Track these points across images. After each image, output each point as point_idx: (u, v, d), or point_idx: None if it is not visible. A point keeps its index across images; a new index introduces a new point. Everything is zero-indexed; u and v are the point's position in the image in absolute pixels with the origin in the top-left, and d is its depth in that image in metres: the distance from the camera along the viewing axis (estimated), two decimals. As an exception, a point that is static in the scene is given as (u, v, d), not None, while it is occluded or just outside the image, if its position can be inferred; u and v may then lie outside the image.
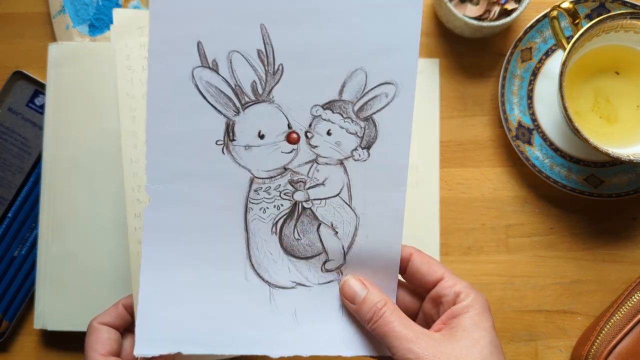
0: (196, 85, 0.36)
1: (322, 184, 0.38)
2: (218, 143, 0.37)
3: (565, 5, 0.47)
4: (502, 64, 0.51)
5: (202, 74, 0.36)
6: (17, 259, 0.52)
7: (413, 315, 0.39)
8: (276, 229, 0.38)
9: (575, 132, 0.45)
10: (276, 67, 0.36)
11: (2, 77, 0.53)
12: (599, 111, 0.50)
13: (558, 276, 0.52)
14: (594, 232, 0.52)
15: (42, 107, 0.53)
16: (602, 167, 0.51)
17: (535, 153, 0.51)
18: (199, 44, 0.35)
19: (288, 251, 0.38)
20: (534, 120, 0.51)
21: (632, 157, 0.45)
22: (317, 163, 0.37)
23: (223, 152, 0.36)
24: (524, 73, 0.52)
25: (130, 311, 0.43)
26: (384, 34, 0.36)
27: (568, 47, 0.45)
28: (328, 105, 0.37)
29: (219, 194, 0.37)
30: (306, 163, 0.37)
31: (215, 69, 0.36)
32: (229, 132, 0.36)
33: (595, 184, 0.51)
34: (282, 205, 0.37)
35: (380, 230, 0.38)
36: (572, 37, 0.46)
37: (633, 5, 0.50)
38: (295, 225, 0.38)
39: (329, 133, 0.37)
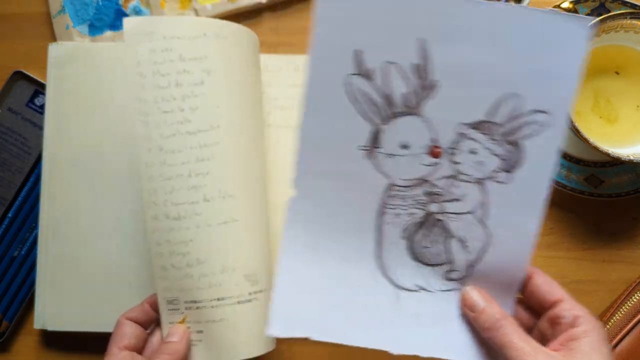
0: (349, 91, 0.37)
1: (458, 199, 0.38)
2: (362, 148, 0.37)
3: (566, 5, 0.47)
4: (502, 64, 0.51)
5: (356, 81, 0.36)
6: (17, 259, 0.52)
7: (527, 331, 0.39)
8: (407, 234, 0.39)
9: (575, 132, 0.45)
10: (429, 82, 0.36)
11: (2, 77, 0.53)
12: (599, 111, 0.50)
13: (558, 276, 0.51)
14: (594, 232, 0.52)
15: (42, 107, 0.53)
16: (602, 167, 0.51)
17: (536, 153, 0.51)
18: (357, 51, 0.36)
19: (416, 257, 0.39)
20: (534, 120, 0.51)
21: (632, 157, 0.45)
22: (456, 179, 0.38)
23: (365, 157, 0.38)
24: (524, 73, 0.52)
25: (155, 308, 0.43)
26: (545, 61, 0.36)
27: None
28: (476, 125, 0.37)
29: (357, 195, 0.38)
30: (445, 177, 0.38)
31: (369, 77, 0.36)
32: (375, 139, 0.37)
33: (595, 184, 0.51)
34: (415, 213, 0.39)
35: (509, 251, 0.38)
36: (572, 37, 0.46)
37: (633, 5, 0.50)
38: (425, 234, 0.39)
39: (472, 152, 0.38)
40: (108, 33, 0.54)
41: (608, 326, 0.48)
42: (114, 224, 0.50)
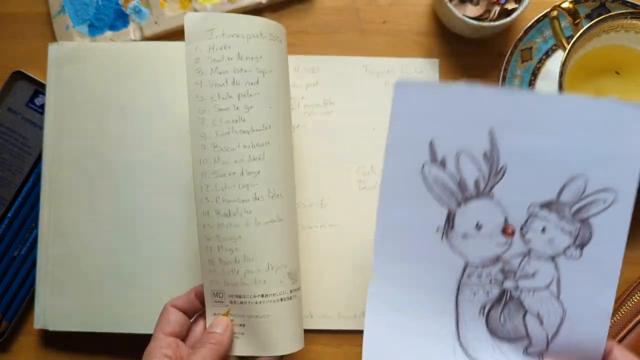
0: (425, 179, 0.40)
1: (532, 276, 0.40)
2: (438, 230, 0.40)
3: (566, 5, 0.47)
4: (502, 64, 0.51)
5: (431, 169, 0.40)
6: (17, 259, 0.52)
7: None
8: (484, 311, 0.40)
9: (576, 132, 0.45)
10: (499, 168, 0.39)
11: (2, 77, 0.53)
12: (599, 111, 0.50)
13: (558, 276, 0.52)
14: (594, 232, 0.52)
15: (42, 107, 0.53)
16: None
17: (536, 153, 0.51)
18: (431, 142, 0.39)
19: (493, 332, 0.40)
20: (534, 120, 0.51)
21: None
22: (529, 257, 0.40)
23: (442, 239, 0.40)
24: (524, 73, 0.52)
25: (200, 299, 0.44)
26: (607, 145, 0.38)
27: (568, 47, 0.45)
28: (545, 205, 0.39)
29: (435, 276, 0.40)
30: (518, 255, 0.40)
31: (443, 165, 0.40)
32: (450, 221, 0.40)
33: (595, 184, 0.51)
34: (491, 291, 0.40)
35: (586, 326, 0.39)
36: (572, 37, 0.46)
37: (633, 5, 0.50)
38: (502, 311, 0.40)
39: (543, 230, 0.39)
40: (108, 33, 0.54)
41: (608, 326, 0.48)
42: (114, 224, 0.50)
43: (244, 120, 0.42)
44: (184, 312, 0.44)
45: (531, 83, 0.52)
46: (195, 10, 0.53)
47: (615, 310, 0.49)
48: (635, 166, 0.38)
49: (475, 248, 0.40)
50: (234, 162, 0.42)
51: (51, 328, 0.49)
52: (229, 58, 0.42)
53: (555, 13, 0.48)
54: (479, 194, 0.40)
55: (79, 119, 0.51)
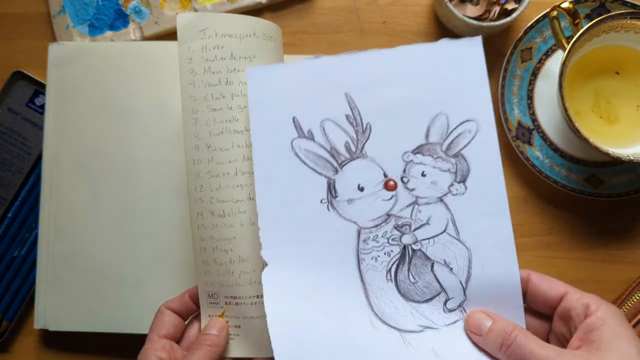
0: (296, 154, 0.40)
1: (427, 223, 0.39)
2: (322, 202, 0.40)
3: (566, 5, 0.47)
4: (502, 64, 0.51)
5: (300, 143, 0.40)
6: (17, 259, 0.52)
7: (543, 340, 0.37)
8: (390, 275, 0.39)
9: (575, 132, 0.45)
10: (364, 127, 0.40)
11: (2, 77, 0.53)
12: (599, 111, 0.50)
13: (558, 276, 0.51)
14: (594, 232, 0.52)
15: (42, 107, 0.53)
16: (602, 167, 0.51)
17: (535, 153, 0.51)
18: (294, 118, 0.40)
19: (407, 296, 0.39)
20: (534, 120, 0.51)
21: (632, 157, 0.45)
22: (418, 204, 0.40)
23: (328, 209, 0.40)
24: (524, 73, 0.52)
25: (194, 300, 0.44)
26: (455, 79, 0.40)
27: (568, 47, 0.45)
28: (417, 150, 0.40)
29: (330, 250, 0.39)
30: (407, 206, 0.40)
31: (311, 137, 0.40)
32: (331, 190, 0.40)
33: (595, 184, 0.51)
34: (392, 251, 0.39)
35: (494, 258, 0.38)
36: (572, 37, 0.46)
37: (633, 5, 0.50)
38: (408, 269, 0.39)
39: (423, 174, 0.40)
40: (108, 33, 0.54)
41: (608, 326, 0.48)
42: (114, 223, 0.50)
43: (237, 120, 0.42)
44: (179, 314, 0.43)
45: (531, 83, 0.52)
46: (196, 10, 0.53)
47: (615, 310, 0.49)
48: (485, 92, 0.39)
49: (363, 210, 0.40)
50: (228, 162, 0.42)
51: (51, 328, 0.49)
52: (222, 58, 0.42)
53: (555, 13, 0.48)
54: (352, 156, 0.40)
55: (79, 119, 0.51)
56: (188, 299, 0.44)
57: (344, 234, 0.39)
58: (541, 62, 0.52)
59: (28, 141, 0.53)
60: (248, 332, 0.43)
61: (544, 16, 0.51)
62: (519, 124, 0.51)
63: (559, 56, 0.51)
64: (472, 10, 0.50)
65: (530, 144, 0.51)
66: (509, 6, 0.50)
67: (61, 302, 0.49)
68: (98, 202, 0.50)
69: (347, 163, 0.40)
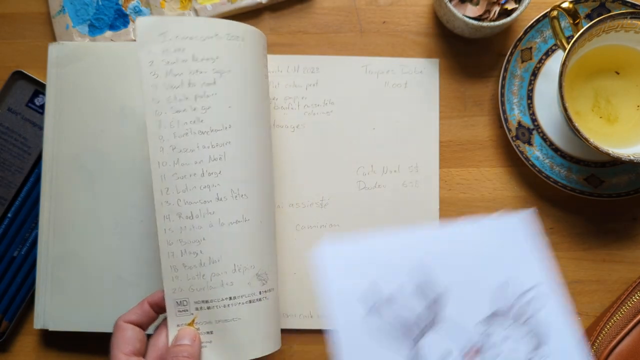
0: (369, 331, 0.39)
1: None
2: None
3: (566, 5, 0.47)
4: (502, 64, 0.51)
5: (372, 320, 0.40)
6: (17, 259, 0.52)
7: None
8: None
9: (575, 132, 0.45)
10: (437, 297, 0.40)
11: (2, 77, 0.53)
12: (599, 111, 0.50)
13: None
14: (594, 232, 0.52)
15: (42, 107, 0.53)
16: (602, 167, 0.51)
17: (535, 153, 0.51)
18: (367, 289, 0.40)
19: None
20: (534, 120, 0.51)
21: (632, 157, 0.45)
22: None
23: None
24: (524, 73, 0.52)
25: (155, 308, 0.43)
26: (515, 251, 0.42)
27: (568, 47, 0.45)
28: (489, 319, 0.40)
29: None
30: None
31: (381, 314, 0.40)
32: None
33: (595, 184, 0.51)
34: None
35: None
36: (572, 37, 0.46)
37: (633, 5, 0.50)
38: None
39: (501, 342, 0.40)
40: (108, 33, 0.54)
41: (608, 326, 0.48)
42: (114, 223, 0.50)
43: (202, 121, 0.42)
44: (140, 325, 0.42)
45: (531, 83, 0.52)
46: (196, 10, 0.53)
47: (615, 311, 0.49)
48: (545, 258, 0.41)
49: None
50: (194, 163, 0.42)
51: (51, 328, 0.49)
52: (183, 60, 0.42)
53: (555, 13, 0.48)
54: (424, 330, 0.40)
55: (79, 119, 0.51)
56: (148, 308, 0.43)
57: None
58: (541, 62, 0.52)
59: (28, 141, 0.53)
60: (222, 337, 0.43)
61: (544, 16, 0.50)
62: (519, 124, 0.51)
63: (559, 56, 0.51)
64: (472, 10, 0.50)
65: (530, 144, 0.51)
66: (509, 6, 0.50)
67: (61, 302, 0.49)
68: (98, 202, 0.50)
69: (421, 337, 0.40)
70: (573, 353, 0.40)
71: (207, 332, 0.43)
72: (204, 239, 0.42)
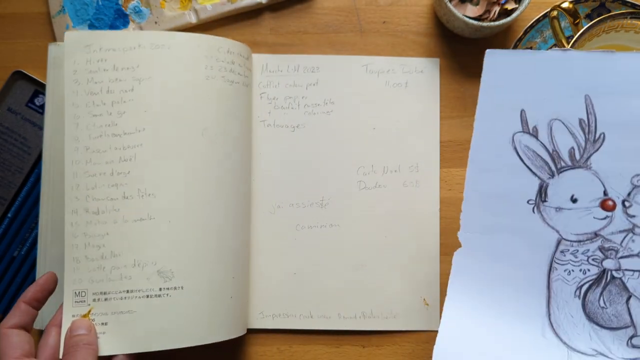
0: (515, 149, 0.38)
1: (637, 255, 0.37)
2: (530, 202, 0.38)
3: (566, 5, 0.47)
4: (502, 64, 0.51)
5: (522, 138, 0.38)
6: (17, 259, 0.52)
7: None
8: (580, 292, 0.38)
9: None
10: (597, 136, 0.37)
11: (2, 77, 0.53)
12: (599, 111, 0.50)
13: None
14: (594, 232, 0.52)
15: (42, 107, 0.53)
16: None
17: (536, 153, 0.51)
18: (522, 111, 0.38)
19: (591, 318, 0.38)
20: (534, 120, 0.51)
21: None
22: (634, 233, 0.37)
23: (533, 212, 0.38)
24: (524, 73, 0.52)
25: (34, 305, 0.43)
26: None
27: (568, 47, 0.45)
28: None
29: (525, 250, 0.38)
30: (620, 232, 0.37)
31: (535, 134, 0.38)
32: (542, 193, 0.38)
33: (595, 184, 0.51)
34: (588, 270, 0.37)
35: None
36: (572, 37, 0.46)
37: (633, 5, 0.50)
38: (601, 293, 0.38)
39: None
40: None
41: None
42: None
43: (116, 125, 0.46)
44: (23, 327, 0.42)
45: (531, 83, 0.51)
46: (196, 11, 0.53)
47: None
48: None
49: (570, 222, 0.37)
50: (105, 163, 0.46)
51: (51, 328, 0.49)
52: (104, 69, 0.46)
53: (555, 13, 0.48)
54: (575, 164, 0.37)
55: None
56: (25, 307, 0.42)
57: (542, 239, 0.38)
58: (541, 62, 0.51)
59: (28, 141, 0.53)
60: (117, 328, 0.44)
61: (544, 16, 0.51)
62: (519, 123, 0.51)
63: (559, 56, 0.51)
64: (472, 10, 0.50)
65: (530, 143, 0.51)
66: (509, 6, 0.50)
67: (60, 302, 0.49)
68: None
69: (566, 170, 0.38)
70: None
71: (102, 323, 0.44)
72: (107, 233, 0.45)
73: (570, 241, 0.38)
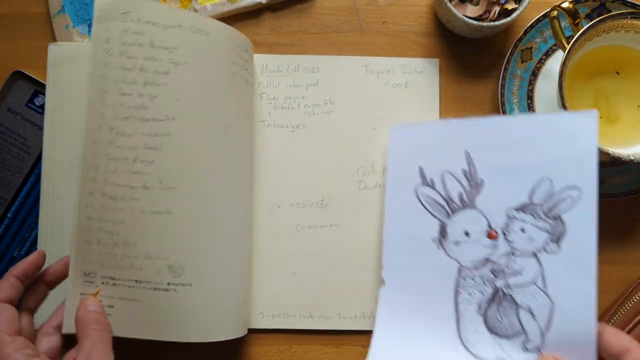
0: (418, 198, 0.48)
1: (519, 273, 0.44)
2: (434, 240, 0.47)
3: (566, 5, 0.47)
4: (502, 64, 0.51)
5: (422, 189, 0.48)
6: (17, 259, 0.52)
7: None
8: (481, 310, 0.45)
9: (576, 132, 0.45)
10: (478, 182, 0.46)
11: (2, 77, 0.53)
12: (599, 111, 0.50)
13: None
14: (594, 232, 0.52)
15: (42, 107, 0.53)
16: (602, 167, 0.51)
17: (536, 153, 0.51)
18: (420, 168, 0.48)
19: (492, 330, 0.44)
20: (534, 120, 0.51)
21: (632, 157, 0.45)
22: (514, 255, 0.45)
23: (437, 247, 0.47)
24: (524, 73, 0.52)
25: (23, 279, 0.41)
26: (566, 148, 0.43)
27: (568, 47, 0.45)
28: (521, 208, 0.45)
29: (435, 280, 0.46)
30: (504, 255, 0.45)
31: (432, 185, 0.47)
32: (442, 231, 0.47)
33: (595, 184, 0.51)
34: (485, 290, 0.45)
35: (575, 315, 0.41)
36: (572, 37, 0.46)
37: (633, 5, 0.50)
38: (497, 309, 0.44)
39: (522, 230, 0.44)
40: (108, 33, 0.53)
41: (608, 326, 0.48)
42: (114, 224, 0.50)
43: (145, 108, 0.43)
44: (10, 302, 0.40)
45: (531, 83, 0.51)
46: (196, 10, 0.53)
47: (615, 311, 0.49)
48: (592, 164, 0.42)
49: (466, 253, 0.46)
50: (129, 148, 0.43)
51: (51, 328, 0.49)
52: (140, 44, 0.42)
53: (555, 13, 0.48)
54: (464, 205, 0.46)
55: (79, 119, 0.50)
56: (15, 281, 0.40)
57: (447, 269, 0.46)
58: (541, 62, 0.52)
59: (28, 141, 0.53)
60: (120, 313, 0.43)
61: (544, 16, 0.50)
62: (519, 123, 0.51)
63: (559, 56, 0.51)
64: (472, 10, 0.50)
65: (530, 143, 0.51)
66: (509, 6, 0.50)
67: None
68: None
69: (458, 211, 0.46)
70: (583, 256, 0.42)
71: (109, 306, 0.43)
72: (123, 221, 0.43)
73: (468, 268, 0.45)
